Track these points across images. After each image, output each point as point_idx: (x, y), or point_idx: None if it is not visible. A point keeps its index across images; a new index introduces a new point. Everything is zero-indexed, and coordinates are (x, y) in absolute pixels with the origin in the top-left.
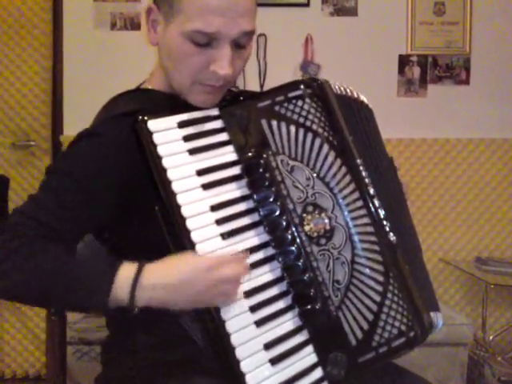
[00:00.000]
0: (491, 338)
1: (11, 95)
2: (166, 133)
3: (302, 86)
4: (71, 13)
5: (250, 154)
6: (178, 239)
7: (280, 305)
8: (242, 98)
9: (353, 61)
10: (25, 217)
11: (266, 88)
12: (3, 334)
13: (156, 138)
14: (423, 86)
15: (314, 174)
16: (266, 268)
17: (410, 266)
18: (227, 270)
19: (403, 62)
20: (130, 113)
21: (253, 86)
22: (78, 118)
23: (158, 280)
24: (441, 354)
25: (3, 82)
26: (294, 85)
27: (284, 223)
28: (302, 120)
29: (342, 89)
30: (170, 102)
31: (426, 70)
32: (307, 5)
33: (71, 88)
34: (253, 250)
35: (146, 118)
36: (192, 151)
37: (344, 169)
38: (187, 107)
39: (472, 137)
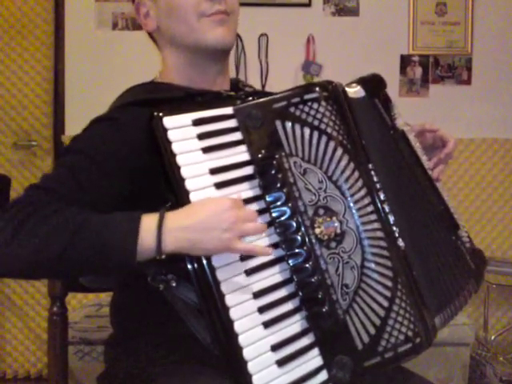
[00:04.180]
0: (493, 337)
1: (13, 95)
2: (180, 130)
3: (317, 89)
4: (73, 13)
5: (262, 155)
6: None
7: (288, 307)
8: (256, 98)
9: (354, 61)
10: (36, 189)
11: (267, 88)
12: (5, 334)
13: (171, 135)
14: (425, 86)
15: (327, 178)
16: (275, 269)
17: (423, 266)
18: (246, 209)
19: (405, 62)
20: (146, 100)
21: (254, 86)
22: (79, 118)
23: (183, 221)
24: (442, 353)
25: (5, 81)
26: (309, 87)
27: (294, 225)
28: (316, 122)
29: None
30: (183, 94)
31: (427, 70)
32: (309, 5)
33: (73, 88)
34: None
35: (161, 114)
36: (206, 149)
37: (356, 173)
38: (202, 103)
39: (474, 137)
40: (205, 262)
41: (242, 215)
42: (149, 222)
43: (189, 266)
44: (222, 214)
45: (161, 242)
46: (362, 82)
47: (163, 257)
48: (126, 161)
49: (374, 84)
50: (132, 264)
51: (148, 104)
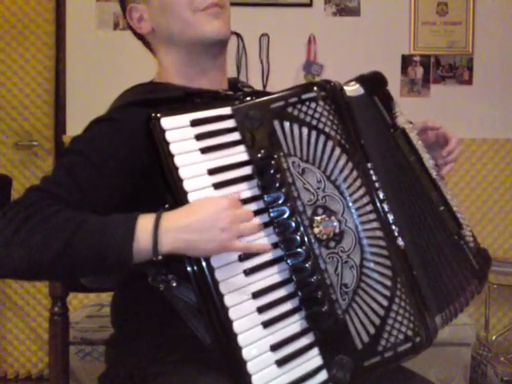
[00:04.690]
0: (494, 338)
1: (14, 95)
2: (178, 131)
3: (315, 88)
4: (74, 13)
5: (261, 155)
6: None
7: (287, 306)
8: (255, 98)
9: (355, 61)
10: (36, 190)
11: (268, 88)
12: (6, 334)
13: (168, 135)
14: (426, 86)
15: (325, 177)
16: (274, 269)
17: (423, 266)
18: (243, 209)
19: (406, 62)
20: (145, 100)
21: (255, 86)
22: (80, 118)
23: (180, 222)
24: (443, 354)
25: (6, 81)
26: (307, 87)
27: (293, 225)
28: (314, 122)
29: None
30: (182, 93)
31: (428, 70)
32: (310, 5)
33: (74, 88)
34: None
35: (159, 115)
36: (204, 150)
37: (355, 172)
38: (200, 104)
39: (474, 137)
40: (204, 262)
41: (238, 215)
42: (145, 222)
43: (187, 267)
44: (219, 214)
45: (157, 242)
46: (361, 80)
47: (160, 258)
48: (126, 161)
49: (373, 82)
50: (129, 265)
51: (147, 104)
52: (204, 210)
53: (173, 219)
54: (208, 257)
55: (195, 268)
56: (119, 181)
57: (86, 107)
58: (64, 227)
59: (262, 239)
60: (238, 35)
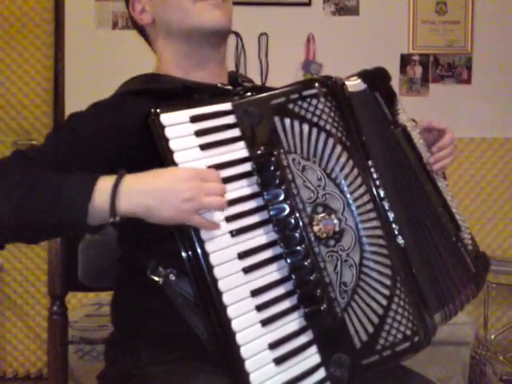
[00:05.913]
0: (493, 337)
1: (13, 94)
2: (178, 127)
3: (316, 85)
4: (73, 12)
5: (261, 152)
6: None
7: (286, 305)
8: (255, 94)
9: (354, 60)
10: (19, 153)
11: None
12: (5, 333)
13: (168, 132)
14: (425, 85)
15: (326, 175)
16: (273, 267)
17: (423, 264)
18: (212, 183)
19: (405, 61)
20: (144, 90)
21: None
22: None
23: (141, 186)
24: (442, 353)
25: (5, 80)
26: (308, 83)
27: (293, 223)
28: (315, 119)
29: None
30: (179, 85)
31: (427, 70)
32: (309, 4)
33: (73, 87)
34: (261, 248)
35: (158, 111)
36: (203, 146)
37: (356, 170)
38: (200, 99)
39: (473, 136)
40: (202, 259)
41: (205, 187)
42: (106, 182)
43: (185, 262)
44: (184, 184)
45: (114, 203)
46: (364, 74)
47: (117, 219)
48: (112, 146)
49: (375, 77)
50: (83, 223)
51: (146, 93)
52: (170, 178)
53: (134, 182)
54: (207, 254)
55: (194, 265)
56: (98, 164)
57: (84, 106)
58: (24, 181)
59: (261, 236)
60: (237, 34)
